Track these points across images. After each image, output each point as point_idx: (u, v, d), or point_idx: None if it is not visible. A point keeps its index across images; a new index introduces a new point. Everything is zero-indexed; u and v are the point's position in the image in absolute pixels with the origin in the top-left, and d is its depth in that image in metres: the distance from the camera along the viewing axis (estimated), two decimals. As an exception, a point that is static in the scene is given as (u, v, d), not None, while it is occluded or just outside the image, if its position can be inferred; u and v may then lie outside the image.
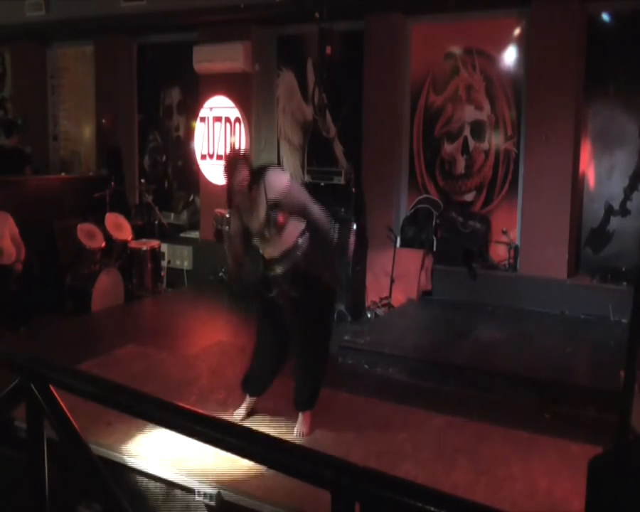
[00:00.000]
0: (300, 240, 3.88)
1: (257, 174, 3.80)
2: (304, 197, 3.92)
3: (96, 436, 3.63)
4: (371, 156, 7.40)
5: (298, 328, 4.01)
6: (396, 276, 6.71)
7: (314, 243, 3.91)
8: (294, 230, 3.88)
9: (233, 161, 3.79)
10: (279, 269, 3.90)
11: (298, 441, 3.93)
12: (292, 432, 4.06)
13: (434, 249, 7.12)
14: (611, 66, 6.56)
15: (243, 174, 3.73)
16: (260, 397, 4.32)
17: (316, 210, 3.90)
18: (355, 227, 6.78)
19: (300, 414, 4.11)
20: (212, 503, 3.41)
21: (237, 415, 4.22)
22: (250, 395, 4.29)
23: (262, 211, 3.79)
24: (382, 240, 7.10)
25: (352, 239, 3.95)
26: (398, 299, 6.78)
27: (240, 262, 4.06)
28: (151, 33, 9.02)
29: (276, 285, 3.94)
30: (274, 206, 3.76)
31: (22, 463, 2.74)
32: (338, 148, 7.87)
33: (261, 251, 3.99)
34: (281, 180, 3.83)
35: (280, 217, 3.75)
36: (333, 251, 4.10)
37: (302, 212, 3.86)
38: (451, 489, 3.20)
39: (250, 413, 4.28)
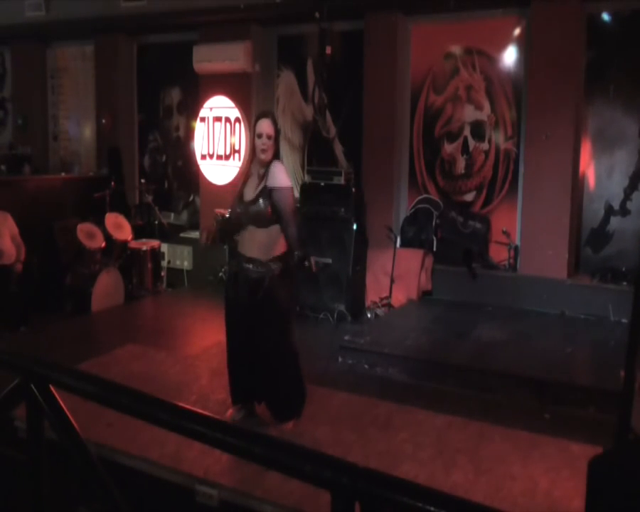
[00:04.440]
0: (276, 263, 3.96)
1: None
2: (293, 207, 4.01)
3: (96, 437, 3.63)
4: (371, 156, 7.40)
5: (261, 334, 4.02)
6: (396, 276, 6.71)
7: (286, 272, 4.01)
8: (276, 244, 3.97)
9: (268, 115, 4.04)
10: (251, 267, 3.96)
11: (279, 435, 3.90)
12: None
13: (434, 249, 7.12)
14: (611, 66, 6.55)
15: (272, 130, 3.97)
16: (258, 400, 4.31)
17: (296, 227, 3.96)
18: (355, 226, 6.78)
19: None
20: (213, 503, 3.41)
21: (235, 418, 4.20)
22: (239, 404, 4.27)
23: (254, 193, 3.94)
24: (382, 240, 7.10)
25: (312, 261, 4.01)
26: (398, 299, 6.78)
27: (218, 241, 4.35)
28: (151, 33, 9.01)
29: (243, 284, 3.99)
30: (268, 194, 3.90)
31: (22, 463, 2.73)
32: (338, 148, 7.87)
33: (239, 248, 4.06)
34: (284, 177, 4.00)
35: (269, 208, 3.90)
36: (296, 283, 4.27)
37: (286, 219, 3.93)
38: (451, 489, 3.21)
39: (248, 415, 4.27)
